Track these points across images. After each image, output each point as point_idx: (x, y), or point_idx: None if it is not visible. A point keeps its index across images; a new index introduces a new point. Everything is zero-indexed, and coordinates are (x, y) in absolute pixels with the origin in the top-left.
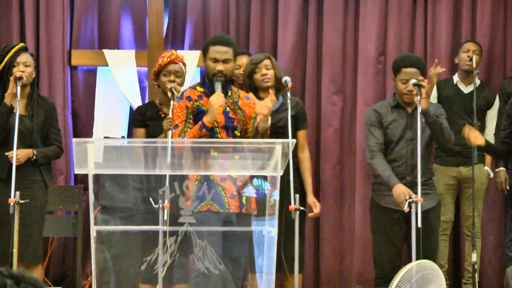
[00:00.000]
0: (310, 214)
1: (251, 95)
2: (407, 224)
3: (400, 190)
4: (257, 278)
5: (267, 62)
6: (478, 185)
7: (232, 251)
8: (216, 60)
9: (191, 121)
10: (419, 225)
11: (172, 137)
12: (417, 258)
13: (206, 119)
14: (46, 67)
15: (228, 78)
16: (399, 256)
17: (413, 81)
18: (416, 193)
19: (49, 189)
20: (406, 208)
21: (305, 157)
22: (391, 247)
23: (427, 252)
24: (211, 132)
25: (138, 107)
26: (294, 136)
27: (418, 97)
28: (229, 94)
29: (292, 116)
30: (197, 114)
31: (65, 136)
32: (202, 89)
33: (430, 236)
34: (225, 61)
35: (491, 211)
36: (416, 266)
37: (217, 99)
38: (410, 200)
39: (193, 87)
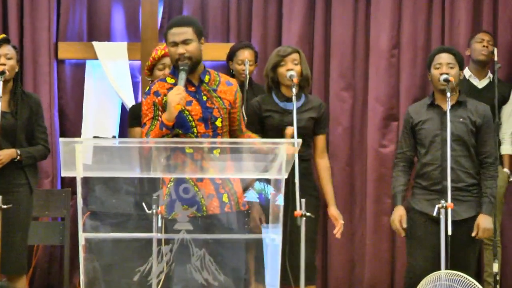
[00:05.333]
0: (335, 232)
1: (234, 80)
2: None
3: (397, 214)
4: None
5: (295, 56)
6: (497, 188)
7: (232, 260)
8: (175, 44)
9: (159, 118)
10: (449, 232)
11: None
12: (447, 268)
13: (164, 117)
14: (30, 60)
15: (195, 61)
16: (435, 265)
17: (444, 76)
18: (455, 199)
19: (34, 193)
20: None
21: (325, 164)
22: (426, 253)
23: (462, 263)
24: (182, 129)
25: (132, 106)
26: (313, 140)
27: (448, 93)
28: (207, 80)
29: (312, 118)
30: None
31: (52, 136)
32: (173, 81)
33: (468, 248)
34: (184, 42)
35: None
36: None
37: (174, 96)
38: (440, 205)
39: (163, 79)
